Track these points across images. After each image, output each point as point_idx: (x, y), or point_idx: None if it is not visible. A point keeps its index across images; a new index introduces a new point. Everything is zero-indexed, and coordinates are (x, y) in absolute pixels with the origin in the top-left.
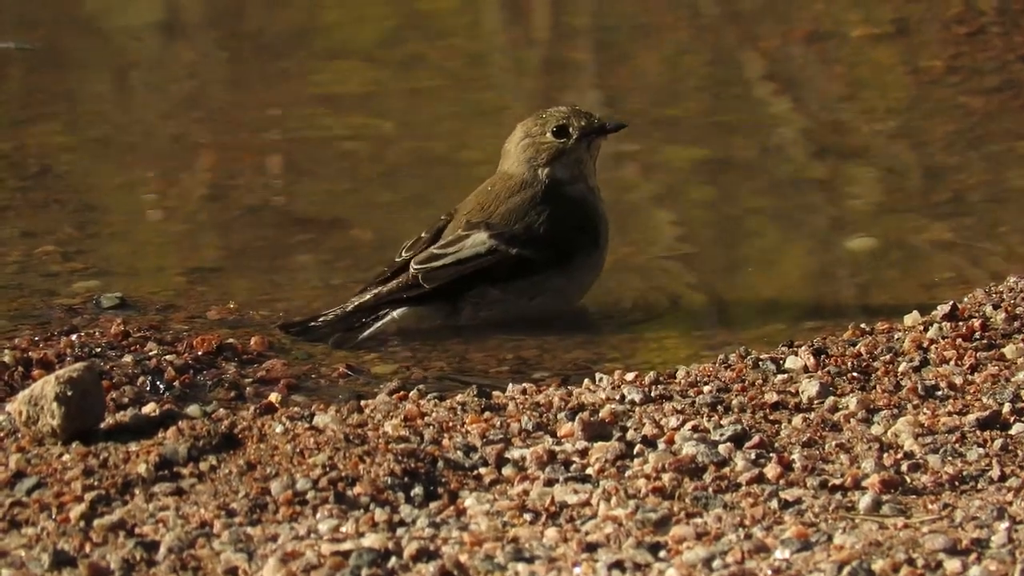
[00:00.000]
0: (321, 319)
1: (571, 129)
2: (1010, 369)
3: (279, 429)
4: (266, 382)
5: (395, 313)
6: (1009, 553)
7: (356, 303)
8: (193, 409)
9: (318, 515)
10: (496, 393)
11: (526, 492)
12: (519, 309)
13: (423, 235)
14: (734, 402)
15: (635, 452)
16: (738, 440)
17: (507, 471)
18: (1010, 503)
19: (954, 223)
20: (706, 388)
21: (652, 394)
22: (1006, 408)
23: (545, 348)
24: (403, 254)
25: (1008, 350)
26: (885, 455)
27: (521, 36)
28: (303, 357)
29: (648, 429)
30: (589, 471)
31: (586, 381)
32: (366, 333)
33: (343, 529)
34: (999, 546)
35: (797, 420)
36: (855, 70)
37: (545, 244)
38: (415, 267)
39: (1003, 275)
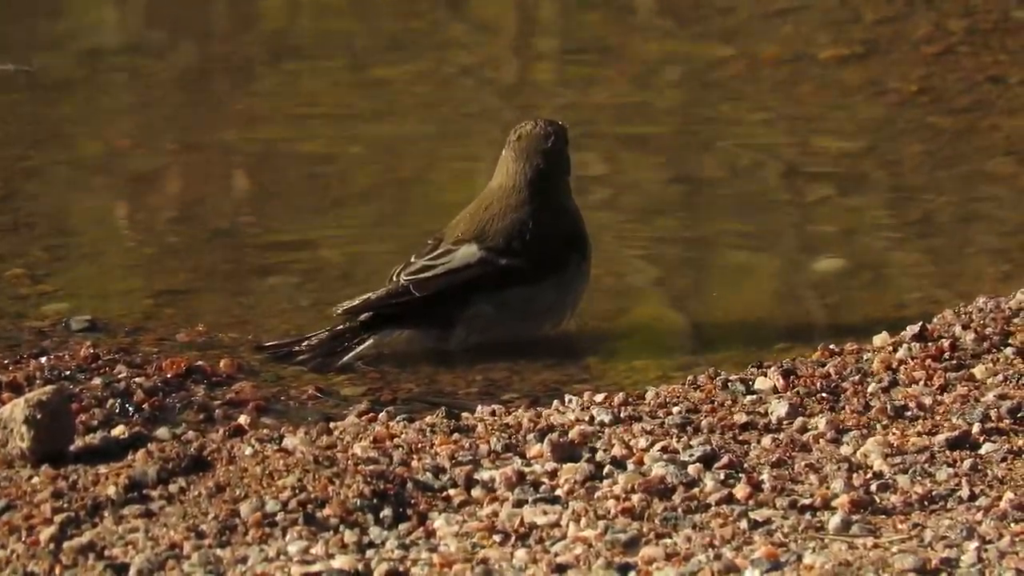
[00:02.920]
0: (310, 340)
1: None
2: (979, 389)
3: (248, 451)
4: (235, 404)
5: (390, 336)
6: (979, 572)
7: (344, 314)
8: (162, 431)
9: (288, 537)
10: (465, 415)
11: (496, 513)
12: (512, 329)
13: (413, 259)
14: (703, 423)
15: (604, 473)
16: (707, 461)
17: (476, 492)
18: (979, 522)
19: (923, 243)
20: (675, 409)
21: (621, 415)
22: (975, 428)
23: (514, 370)
24: (394, 278)
25: (977, 370)
26: (855, 475)
27: (489, 57)
28: (272, 379)
29: (617, 450)
30: (559, 492)
31: (555, 402)
32: (354, 353)
33: (313, 551)
34: (969, 566)
35: (766, 440)
36: (824, 91)
37: (537, 255)
38: (405, 278)
39: (972, 295)
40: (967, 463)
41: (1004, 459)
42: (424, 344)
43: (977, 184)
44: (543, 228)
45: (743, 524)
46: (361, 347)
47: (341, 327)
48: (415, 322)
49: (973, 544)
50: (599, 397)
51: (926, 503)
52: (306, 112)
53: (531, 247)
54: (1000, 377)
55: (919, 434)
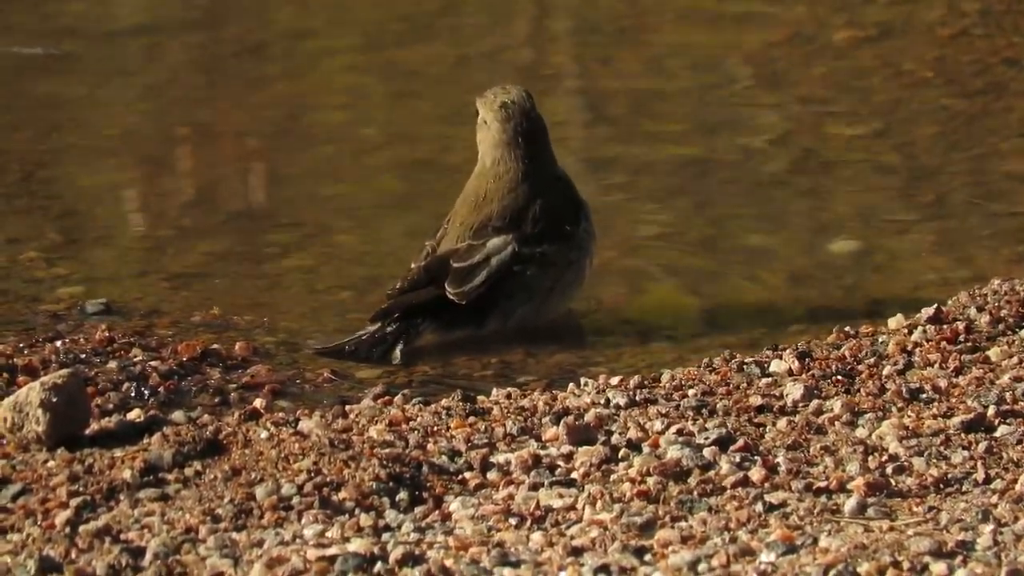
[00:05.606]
0: (354, 340)
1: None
2: (994, 372)
3: (264, 434)
4: (251, 387)
5: (428, 330)
6: (995, 555)
7: (388, 324)
8: (178, 415)
9: (303, 520)
10: (481, 397)
11: (511, 496)
12: (546, 309)
13: (427, 244)
14: (719, 405)
15: (620, 456)
16: (723, 443)
17: (492, 475)
18: (995, 505)
19: (937, 225)
20: (691, 392)
21: (637, 398)
22: (991, 411)
23: (530, 352)
24: (415, 265)
25: (992, 353)
26: (870, 458)
27: (503, 39)
28: (287, 363)
29: (633, 433)
30: (574, 475)
31: (571, 385)
32: (400, 348)
33: (328, 534)
34: (984, 548)
35: (782, 423)
36: (838, 73)
37: (563, 237)
38: (452, 292)
39: (987, 277)
40: (982, 446)
41: (1020, 442)
42: (463, 331)
43: (991, 166)
44: (555, 203)
45: (758, 507)
46: (410, 341)
47: (392, 326)
48: (450, 316)
49: (988, 527)
50: (615, 380)
51: (941, 486)
52: (320, 94)
53: (552, 227)
54: (1015, 359)
55: (934, 417)
